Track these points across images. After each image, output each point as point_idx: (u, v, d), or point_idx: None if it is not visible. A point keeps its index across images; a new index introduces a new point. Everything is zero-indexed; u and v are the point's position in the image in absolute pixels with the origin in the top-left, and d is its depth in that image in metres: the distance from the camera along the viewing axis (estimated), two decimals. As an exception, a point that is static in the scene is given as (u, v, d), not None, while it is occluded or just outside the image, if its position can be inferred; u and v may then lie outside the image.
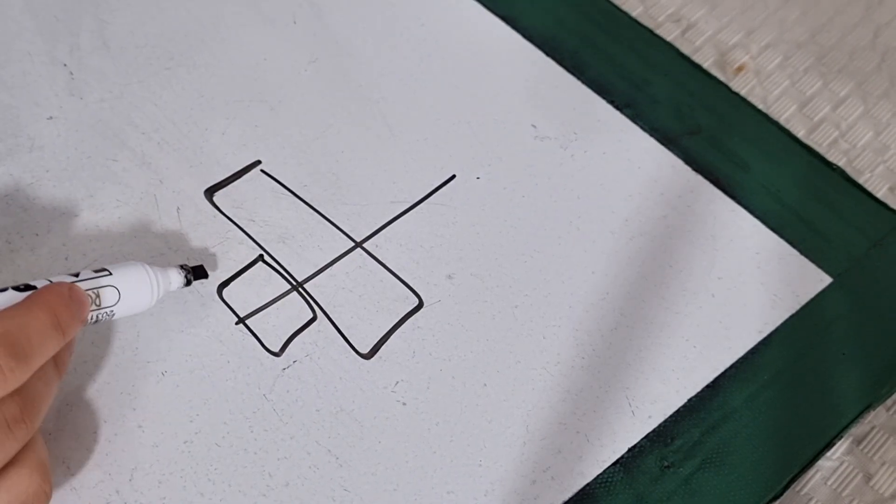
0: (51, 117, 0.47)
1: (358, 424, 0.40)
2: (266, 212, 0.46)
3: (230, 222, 0.45)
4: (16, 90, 0.48)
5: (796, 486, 0.42)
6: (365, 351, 0.42)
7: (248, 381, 0.41)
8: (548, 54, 0.53)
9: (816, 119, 0.53)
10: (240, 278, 0.44)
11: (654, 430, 0.42)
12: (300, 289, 0.44)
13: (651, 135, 0.51)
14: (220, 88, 0.50)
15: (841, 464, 0.43)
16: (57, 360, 0.36)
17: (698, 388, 0.43)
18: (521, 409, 0.42)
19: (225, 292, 0.43)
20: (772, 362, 0.44)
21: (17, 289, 0.36)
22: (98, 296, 0.38)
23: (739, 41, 0.56)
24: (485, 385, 0.42)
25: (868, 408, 0.44)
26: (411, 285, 0.44)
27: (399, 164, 0.48)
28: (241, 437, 0.40)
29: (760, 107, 0.53)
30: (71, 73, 0.49)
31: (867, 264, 0.48)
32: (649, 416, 0.42)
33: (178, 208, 0.45)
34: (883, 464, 0.43)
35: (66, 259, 0.43)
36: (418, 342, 0.43)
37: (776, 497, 0.41)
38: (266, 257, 0.44)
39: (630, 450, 0.41)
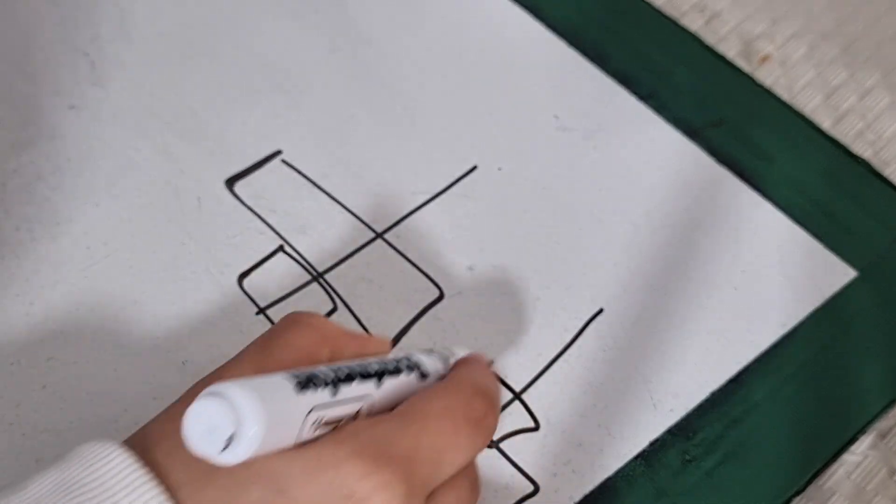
0: (72, 106, 0.47)
1: (378, 416, 0.40)
2: (286, 202, 0.46)
3: (251, 212, 0.45)
4: (37, 79, 0.48)
5: (819, 481, 0.42)
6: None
7: (269, 371, 0.41)
8: (570, 45, 0.53)
9: (842, 110, 0.53)
10: (260, 268, 0.44)
11: (675, 424, 0.42)
12: (320, 279, 0.44)
13: (674, 126, 0.50)
14: (241, 78, 0.50)
15: (865, 458, 0.42)
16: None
17: (721, 382, 0.43)
18: (542, 401, 0.42)
19: (245, 282, 0.43)
20: (795, 356, 0.44)
21: (406, 367, 0.32)
22: None
23: (764, 31, 0.56)
24: (505, 377, 0.42)
25: (893, 402, 0.43)
26: (432, 276, 0.44)
27: (420, 155, 0.48)
28: (262, 428, 0.40)
29: (785, 98, 0.52)
30: (92, 62, 0.49)
31: (892, 258, 0.47)
32: (671, 410, 0.42)
33: (199, 198, 0.45)
34: (907, 459, 0.43)
35: (88, 248, 0.43)
36: (439, 333, 0.43)
37: (799, 491, 0.41)
38: (286, 248, 0.44)
39: (651, 443, 0.41)
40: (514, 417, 0.41)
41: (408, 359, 0.32)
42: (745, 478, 0.41)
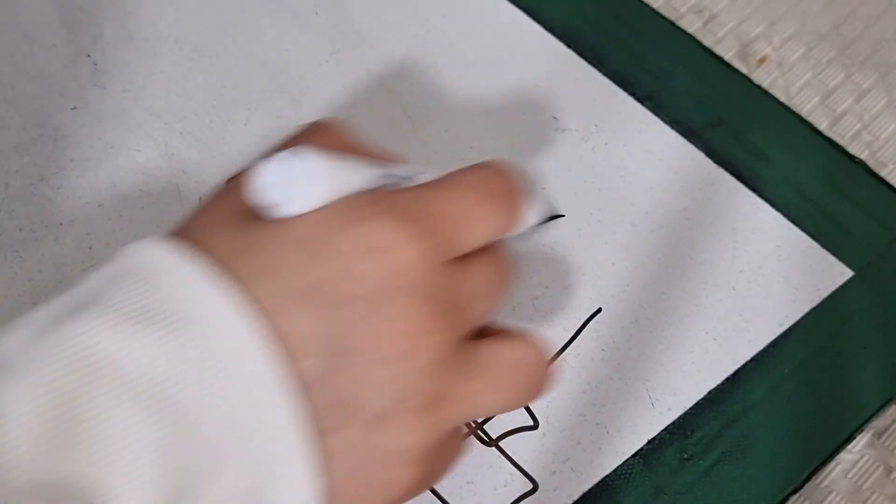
0: (75, 108, 0.48)
1: (378, 414, 0.41)
2: (287, 202, 0.46)
3: (252, 213, 0.45)
4: (40, 81, 0.48)
5: (816, 479, 0.42)
6: (385, 341, 0.42)
7: (270, 370, 0.41)
8: (569, 46, 0.53)
9: (839, 111, 0.53)
10: (261, 268, 0.44)
11: (673, 423, 0.42)
12: (321, 279, 0.44)
13: (672, 127, 0.50)
14: (243, 79, 0.50)
15: (861, 457, 0.43)
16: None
17: (718, 381, 0.43)
18: (541, 400, 0.42)
19: (247, 282, 0.43)
20: (792, 355, 0.44)
21: None
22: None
23: (762, 33, 0.56)
24: (505, 376, 0.42)
25: (889, 401, 0.43)
26: (432, 276, 0.44)
27: (420, 156, 0.48)
28: (263, 426, 0.40)
29: (782, 99, 0.53)
30: (95, 64, 0.49)
31: (889, 258, 0.47)
32: (669, 409, 0.42)
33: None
34: (904, 458, 0.43)
35: (90, 248, 0.43)
36: (439, 333, 0.43)
37: (796, 490, 0.41)
38: (287, 248, 0.44)
39: (650, 442, 0.41)
40: (513, 416, 0.41)
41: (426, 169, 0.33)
42: (743, 476, 0.41)
